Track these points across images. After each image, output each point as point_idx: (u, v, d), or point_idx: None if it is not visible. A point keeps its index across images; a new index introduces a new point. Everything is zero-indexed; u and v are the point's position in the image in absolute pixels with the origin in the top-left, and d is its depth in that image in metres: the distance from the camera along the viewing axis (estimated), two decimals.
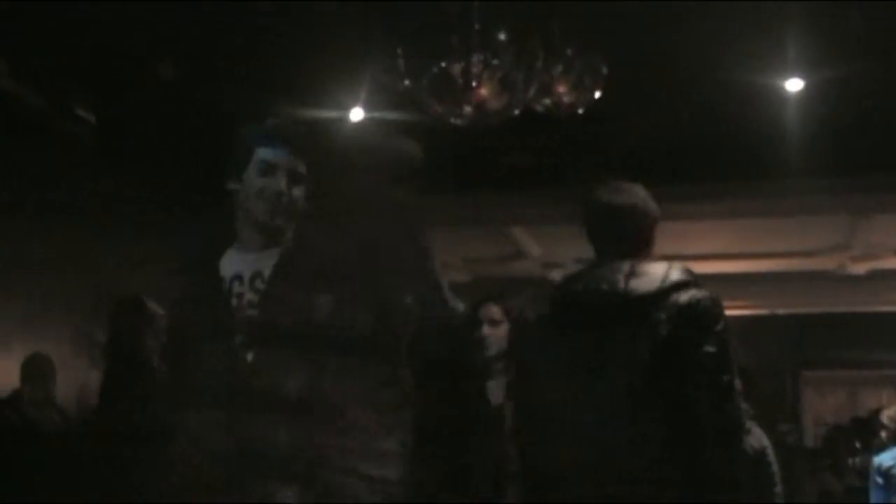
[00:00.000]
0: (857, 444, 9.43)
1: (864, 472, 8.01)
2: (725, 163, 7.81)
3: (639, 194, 3.43)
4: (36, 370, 6.22)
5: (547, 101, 5.34)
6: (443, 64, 4.89)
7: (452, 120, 5.00)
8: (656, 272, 3.21)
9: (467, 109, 5.00)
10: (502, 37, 4.90)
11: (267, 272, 2.80)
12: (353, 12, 5.75)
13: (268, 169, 2.83)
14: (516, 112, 5.14)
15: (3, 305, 6.91)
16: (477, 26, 4.82)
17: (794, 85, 6.86)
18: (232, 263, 2.87)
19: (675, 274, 3.21)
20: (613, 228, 3.37)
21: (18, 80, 6.93)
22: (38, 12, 6.12)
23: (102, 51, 6.55)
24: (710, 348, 3.08)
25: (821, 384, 13.58)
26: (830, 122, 7.19)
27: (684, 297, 3.15)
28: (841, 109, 7.02)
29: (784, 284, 11.38)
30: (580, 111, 5.45)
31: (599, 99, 5.44)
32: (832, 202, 9.01)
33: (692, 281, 3.22)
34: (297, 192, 2.86)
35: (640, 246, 3.37)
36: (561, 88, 5.32)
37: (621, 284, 3.20)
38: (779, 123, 7.22)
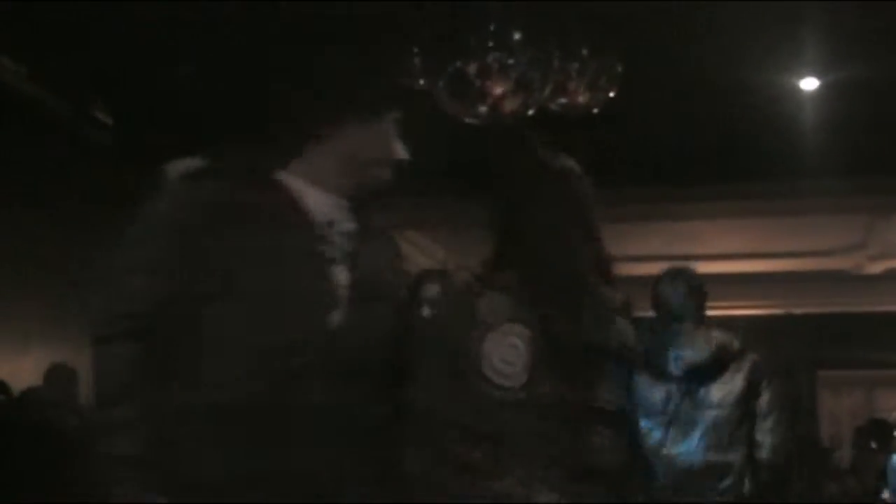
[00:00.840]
0: (874, 445, 9.38)
1: (882, 472, 7.99)
2: (741, 163, 7.79)
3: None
4: (56, 377, 6.20)
5: (562, 100, 5.35)
6: (459, 63, 4.90)
7: (468, 119, 5.00)
8: (724, 338, 4.39)
9: (483, 109, 5.01)
10: (518, 36, 4.91)
11: (342, 225, 2.35)
12: (370, 12, 5.76)
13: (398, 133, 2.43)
14: (531, 111, 5.15)
15: (23, 306, 6.94)
16: (493, 26, 4.83)
17: (808, 84, 6.85)
18: (305, 193, 2.35)
19: (737, 342, 4.40)
20: (688, 306, 4.45)
21: (37, 83, 6.97)
22: (56, 16, 6.15)
23: (122, 53, 6.58)
24: (768, 398, 4.32)
25: (837, 384, 13.52)
26: (847, 122, 7.17)
27: (747, 359, 4.37)
28: (857, 109, 7.00)
29: (800, 284, 11.34)
30: (595, 111, 5.45)
31: (615, 99, 5.44)
32: (849, 202, 8.99)
33: (744, 347, 4.44)
34: None
35: (702, 316, 4.49)
36: (576, 88, 5.32)
37: (708, 347, 4.32)
38: (795, 123, 7.21)
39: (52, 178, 7.18)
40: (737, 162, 7.78)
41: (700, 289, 4.56)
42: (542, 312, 2.44)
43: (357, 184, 2.40)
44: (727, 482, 4.28)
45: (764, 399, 4.33)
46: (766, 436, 4.31)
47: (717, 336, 4.40)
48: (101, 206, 7.54)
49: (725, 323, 4.77)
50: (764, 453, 4.30)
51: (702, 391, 4.30)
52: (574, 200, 2.62)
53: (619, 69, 5.35)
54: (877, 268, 10.96)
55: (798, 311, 12.04)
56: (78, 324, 7.46)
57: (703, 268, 10.29)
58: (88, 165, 7.46)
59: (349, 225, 2.37)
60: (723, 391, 4.31)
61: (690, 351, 4.33)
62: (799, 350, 12.24)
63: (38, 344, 6.70)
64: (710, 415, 4.28)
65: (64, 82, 7.08)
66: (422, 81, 4.94)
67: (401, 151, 2.44)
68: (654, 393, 4.32)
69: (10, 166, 6.80)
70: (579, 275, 2.51)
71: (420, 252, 8.64)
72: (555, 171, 2.67)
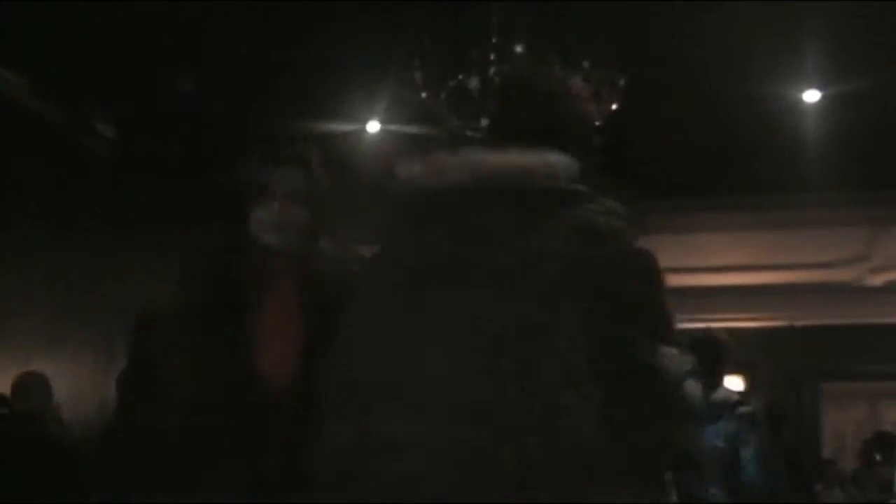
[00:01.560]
0: (878, 457, 9.38)
1: (886, 484, 7.97)
2: (744, 174, 7.79)
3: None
4: (24, 387, 6.04)
5: None
6: (460, 77, 4.90)
7: (469, 133, 5.00)
8: (725, 395, 5.08)
9: (484, 122, 5.01)
10: (520, 49, 4.91)
11: None
12: (372, 25, 5.76)
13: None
14: None
15: (24, 320, 6.92)
16: (494, 39, 4.83)
17: (811, 96, 6.84)
18: None
19: (735, 395, 5.21)
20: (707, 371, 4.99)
21: (39, 96, 6.97)
22: (58, 29, 6.16)
23: (122, 66, 6.58)
24: (752, 444, 4.95)
25: (840, 396, 13.51)
26: (849, 134, 7.16)
27: (738, 412, 5.02)
28: (860, 121, 7.00)
29: (803, 296, 11.34)
30: (598, 123, 5.44)
31: (618, 111, 5.43)
32: (851, 214, 8.98)
33: (741, 399, 5.21)
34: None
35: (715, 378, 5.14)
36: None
37: (704, 405, 4.92)
38: (798, 135, 7.20)
39: (52, 191, 7.17)
40: (739, 174, 7.77)
41: (724, 353, 5.22)
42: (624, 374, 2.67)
43: None
44: None
45: (750, 444, 4.96)
46: (749, 478, 4.92)
47: (720, 393, 5.08)
48: (101, 217, 7.55)
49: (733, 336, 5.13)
50: (750, 494, 4.93)
51: (699, 436, 4.89)
52: (648, 281, 2.84)
53: (622, 81, 5.35)
54: (879, 280, 10.96)
55: (800, 323, 12.03)
56: (80, 337, 7.41)
57: (705, 280, 10.34)
58: (89, 177, 7.45)
59: None
60: (715, 437, 4.95)
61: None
62: (802, 362, 12.24)
63: (40, 359, 6.67)
64: (706, 456, 4.88)
65: (64, 94, 7.08)
66: (423, 94, 4.94)
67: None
68: None
69: (10, 178, 6.78)
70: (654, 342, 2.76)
71: None
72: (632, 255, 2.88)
